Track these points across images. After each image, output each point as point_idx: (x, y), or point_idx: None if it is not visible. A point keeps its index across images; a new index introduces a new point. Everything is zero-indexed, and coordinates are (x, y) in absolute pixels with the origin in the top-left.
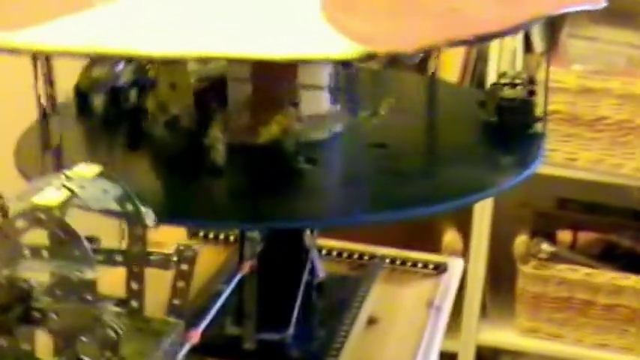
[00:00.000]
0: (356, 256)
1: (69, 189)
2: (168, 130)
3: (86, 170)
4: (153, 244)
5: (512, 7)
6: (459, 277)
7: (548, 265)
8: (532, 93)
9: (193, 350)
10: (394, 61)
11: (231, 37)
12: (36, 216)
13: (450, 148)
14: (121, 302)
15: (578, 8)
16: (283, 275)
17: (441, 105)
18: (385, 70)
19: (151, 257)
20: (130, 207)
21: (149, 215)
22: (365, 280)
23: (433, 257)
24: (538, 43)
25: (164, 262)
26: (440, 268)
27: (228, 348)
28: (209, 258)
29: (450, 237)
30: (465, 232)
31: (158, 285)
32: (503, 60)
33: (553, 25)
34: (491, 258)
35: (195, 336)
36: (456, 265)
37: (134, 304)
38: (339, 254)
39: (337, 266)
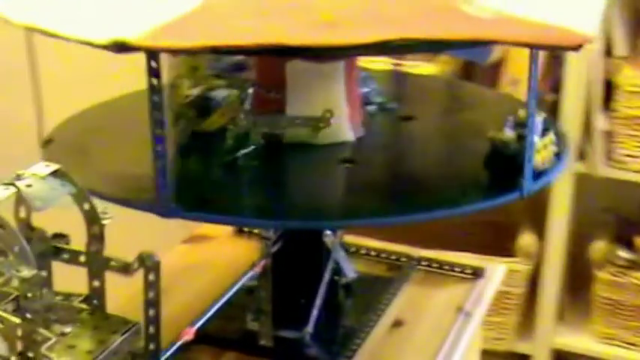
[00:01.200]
0: (393, 257)
1: (16, 187)
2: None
3: (41, 169)
4: (198, 238)
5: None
6: (498, 283)
7: (625, 272)
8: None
9: (212, 342)
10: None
11: None
12: None
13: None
14: (84, 299)
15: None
16: (303, 274)
17: (467, 111)
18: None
19: (112, 263)
20: (86, 206)
21: (105, 214)
22: (396, 282)
23: (471, 261)
24: (619, 46)
25: (124, 269)
26: (477, 273)
27: (246, 343)
28: (251, 254)
29: (525, 239)
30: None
31: None
32: (581, 64)
33: (635, 29)
34: (571, 261)
35: (190, 333)
36: (494, 271)
37: (95, 301)
38: (378, 254)
39: (374, 266)
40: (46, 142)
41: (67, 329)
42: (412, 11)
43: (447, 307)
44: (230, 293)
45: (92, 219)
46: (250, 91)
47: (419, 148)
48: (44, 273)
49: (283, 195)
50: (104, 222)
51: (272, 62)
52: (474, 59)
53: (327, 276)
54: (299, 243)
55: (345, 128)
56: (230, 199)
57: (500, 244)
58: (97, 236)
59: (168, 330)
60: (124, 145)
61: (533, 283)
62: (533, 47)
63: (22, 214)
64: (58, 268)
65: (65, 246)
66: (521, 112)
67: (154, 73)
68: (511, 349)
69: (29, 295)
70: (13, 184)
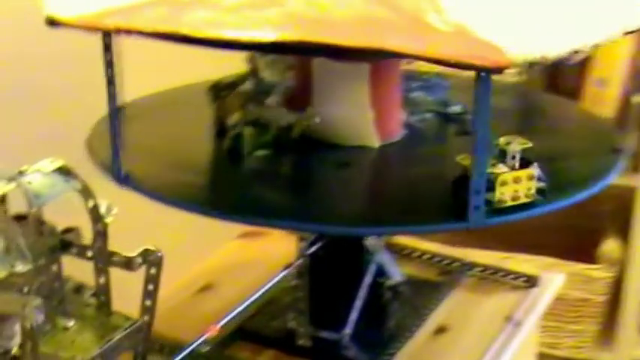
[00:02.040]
0: (446, 261)
1: (17, 182)
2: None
3: (46, 165)
4: (252, 233)
5: None
6: (553, 293)
7: None
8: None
9: (252, 339)
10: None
11: None
12: None
13: None
14: (94, 294)
15: None
16: (343, 275)
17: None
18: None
19: (115, 258)
20: (91, 203)
21: (110, 211)
22: (444, 287)
23: (527, 269)
24: None
25: (128, 263)
26: (531, 282)
27: (284, 342)
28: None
29: (609, 245)
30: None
31: None
32: None
33: None
34: None
35: (214, 329)
36: (550, 280)
37: (101, 297)
38: (430, 258)
39: (425, 270)
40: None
41: (70, 323)
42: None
43: (495, 316)
44: (262, 291)
45: (96, 216)
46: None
47: (426, 164)
48: (55, 267)
49: (317, 197)
50: (108, 219)
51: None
52: None
53: (368, 278)
54: (338, 244)
55: (367, 131)
56: (254, 200)
57: (583, 250)
58: (100, 232)
59: (208, 323)
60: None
61: (616, 290)
62: (450, 66)
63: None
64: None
65: (73, 240)
66: (502, 139)
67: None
68: (591, 359)
69: (25, 289)
70: (15, 180)
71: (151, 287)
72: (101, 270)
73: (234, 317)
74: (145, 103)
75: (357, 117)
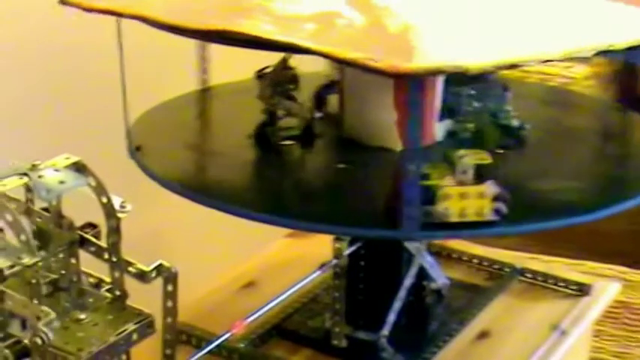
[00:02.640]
0: (496, 266)
1: (29, 176)
2: None
3: (60, 161)
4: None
5: None
6: (605, 302)
7: None
8: None
9: (289, 337)
10: None
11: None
12: None
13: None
14: (109, 289)
15: None
16: (381, 276)
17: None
18: None
19: (130, 268)
20: (104, 199)
21: (123, 207)
22: (490, 292)
23: (579, 278)
24: None
25: (142, 276)
26: (582, 290)
27: (320, 341)
28: None
29: None
30: None
31: None
32: None
33: None
34: None
35: (239, 326)
36: (603, 288)
37: (116, 292)
38: (480, 262)
39: (474, 274)
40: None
41: (82, 316)
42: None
43: (541, 323)
44: (290, 290)
45: (109, 212)
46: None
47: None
48: (73, 260)
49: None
50: (121, 215)
51: None
52: (634, 60)
53: (408, 280)
54: (377, 245)
55: (389, 133)
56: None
57: None
58: (114, 229)
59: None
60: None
61: None
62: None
63: (54, 202)
64: None
65: (90, 237)
66: (459, 152)
67: None
68: None
69: (33, 281)
70: (26, 174)
71: (170, 304)
72: (115, 265)
73: (264, 315)
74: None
75: (380, 118)
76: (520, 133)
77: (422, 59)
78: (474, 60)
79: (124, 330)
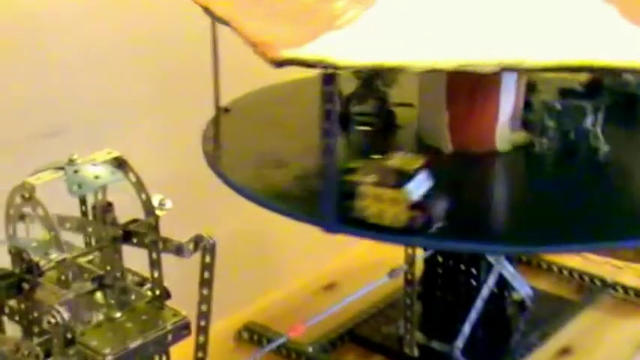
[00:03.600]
0: (586, 278)
1: (64, 170)
2: None
3: (100, 156)
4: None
5: None
6: None
7: None
8: None
9: (361, 343)
10: None
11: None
12: (21, 193)
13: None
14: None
15: None
16: (458, 285)
17: None
18: None
19: (167, 244)
20: (143, 196)
21: (162, 205)
22: (577, 306)
23: None
24: None
25: (179, 249)
26: None
27: (391, 349)
28: None
29: None
30: None
31: None
32: None
33: None
34: None
35: (297, 330)
36: None
37: (156, 290)
38: (570, 274)
39: (563, 286)
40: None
41: (117, 314)
42: None
43: (627, 342)
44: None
45: (148, 209)
46: None
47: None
48: (117, 256)
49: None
50: (160, 213)
51: None
52: None
53: (485, 290)
54: (454, 253)
55: (441, 134)
56: None
57: None
58: (151, 226)
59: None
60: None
61: None
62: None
63: (100, 196)
64: None
65: (133, 231)
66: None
67: None
68: None
69: (62, 278)
70: (63, 168)
71: (207, 275)
72: (154, 263)
73: (338, 318)
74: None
75: (433, 118)
76: (598, 155)
77: (295, 50)
78: (347, 58)
79: (156, 331)
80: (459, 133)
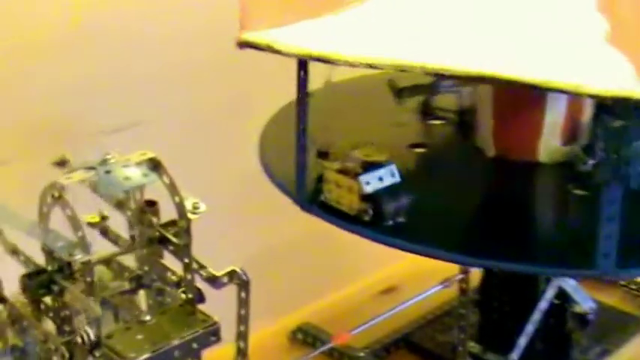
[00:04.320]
0: None
1: (95, 170)
2: None
3: (134, 157)
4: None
5: None
6: None
7: None
8: None
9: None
10: None
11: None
12: (52, 192)
13: None
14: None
15: None
16: (515, 296)
17: None
18: None
19: (202, 271)
20: (177, 199)
21: (196, 208)
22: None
23: None
24: None
25: (213, 280)
26: None
27: (444, 358)
28: None
29: None
30: None
31: None
32: None
33: None
34: None
35: (341, 338)
36: None
37: (189, 294)
38: (638, 289)
39: (631, 301)
40: None
41: (148, 317)
42: None
43: None
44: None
45: (181, 212)
46: None
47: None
48: (155, 257)
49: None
50: (192, 217)
51: None
52: None
53: (543, 303)
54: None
55: (486, 139)
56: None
57: None
58: (184, 230)
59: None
60: None
61: None
62: None
63: (138, 196)
64: None
65: (170, 236)
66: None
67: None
68: None
69: (88, 279)
70: (94, 168)
71: (243, 312)
72: (186, 266)
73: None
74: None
75: (483, 122)
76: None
77: (258, 33)
78: (289, 43)
79: (183, 337)
80: (502, 139)
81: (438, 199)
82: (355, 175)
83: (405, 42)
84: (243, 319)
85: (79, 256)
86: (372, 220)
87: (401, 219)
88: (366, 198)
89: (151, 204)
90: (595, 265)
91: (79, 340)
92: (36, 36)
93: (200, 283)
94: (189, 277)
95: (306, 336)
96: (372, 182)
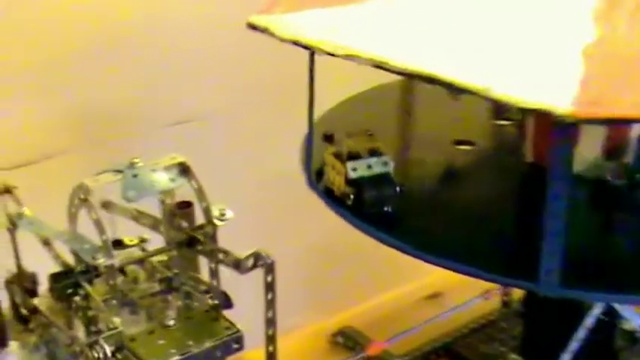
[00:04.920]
0: None
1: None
2: None
3: (163, 161)
4: None
5: None
6: None
7: None
8: None
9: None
10: None
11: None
12: (78, 194)
13: None
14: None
15: None
16: (563, 312)
17: None
18: None
19: (226, 257)
20: (204, 204)
21: (222, 215)
22: None
23: None
24: None
25: (237, 264)
26: None
27: None
28: None
29: None
30: None
31: None
32: None
33: None
34: None
35: (378, 348)
36: None
37: (216, 300)
38: None
39: None
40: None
41: (171, 322)
42: None
43: None
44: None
45: (207, 218)
46: None
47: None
48: (185, 261)
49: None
50: (218, 223)
51: None
52: None
53: (589, 319)
54: None
55: (526, 143)
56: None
57: None
58: (208, 235)
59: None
60: None
61: None
62: None
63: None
64: None
65: (200, 237)
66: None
67: None
68: None
69: (111, 282)
70: (122, 171)
71: (270, 296)
72: (213, 272)
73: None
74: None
75: (527, 125)
76: None
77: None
78: (290, 32)
79: (204, 344)
80: (538, 146)
81: (451, 198)
82: (345, 160)
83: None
84: (270, 304)
85: (101, 260)
86: (354, 205)
87: (387, 208)
88: (350, 183)
89: (187, 205)
90: None
91: (95, 355)
92: (110, 28)
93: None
94: (214, 282)
95: (347, 340)
96: (358, 169)
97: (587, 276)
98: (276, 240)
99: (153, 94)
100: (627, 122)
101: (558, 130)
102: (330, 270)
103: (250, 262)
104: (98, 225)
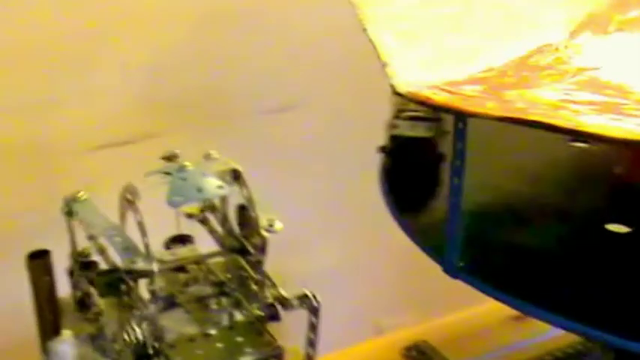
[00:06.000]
0: None
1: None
2: None
3: (215, 166)
4: None
5: None
6: None
7: None
8: None
9: None
10: None
11: None
12: (126, 194)
13: None
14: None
15: None
16: None
17: None
18: None
19: (273, 292)
20: (252, 213)
21: (271, 226)
22: None
23: None
24: None
25: (283, 302)
26: None
27: None
28: None
29: None
30: None
31: None
32: None
33: None
34: None
35: None
36: None
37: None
38: None
39: None
40: None
41: (213, 331)
42: None
43: None
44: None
45: (255, 229)
46: None
47: None
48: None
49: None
50: (266, 234)
51: None
52: None
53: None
54: None
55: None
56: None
57: None
58: (257, 246)
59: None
60: None
61: None
62: None
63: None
64: None
65: (250, 248)
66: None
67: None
68: None
69: (150, 287)
70: (171, 174)
71: (311, 336)
72: (258, 283)
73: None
74: None
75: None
76: None
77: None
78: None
79: (243, 358)
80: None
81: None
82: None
83: None
84: (310, 344)
85: (140, 265)
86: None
87: None
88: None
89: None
90: None
91: (126, 338)
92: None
93: None
94: (260, 294)
95: (421, 355)
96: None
97: None
98: (351, 241)
99: (252, 80)
100: None
101: None
102: (404, 279)
103: (295, 302)
104: (141, 228)
